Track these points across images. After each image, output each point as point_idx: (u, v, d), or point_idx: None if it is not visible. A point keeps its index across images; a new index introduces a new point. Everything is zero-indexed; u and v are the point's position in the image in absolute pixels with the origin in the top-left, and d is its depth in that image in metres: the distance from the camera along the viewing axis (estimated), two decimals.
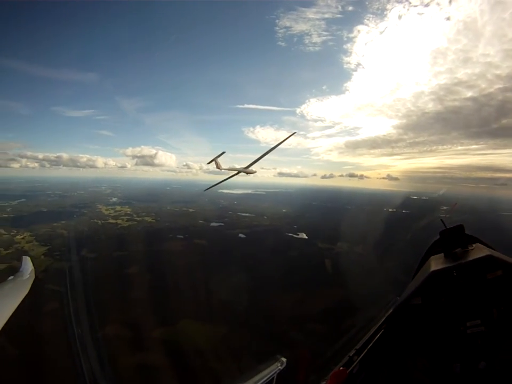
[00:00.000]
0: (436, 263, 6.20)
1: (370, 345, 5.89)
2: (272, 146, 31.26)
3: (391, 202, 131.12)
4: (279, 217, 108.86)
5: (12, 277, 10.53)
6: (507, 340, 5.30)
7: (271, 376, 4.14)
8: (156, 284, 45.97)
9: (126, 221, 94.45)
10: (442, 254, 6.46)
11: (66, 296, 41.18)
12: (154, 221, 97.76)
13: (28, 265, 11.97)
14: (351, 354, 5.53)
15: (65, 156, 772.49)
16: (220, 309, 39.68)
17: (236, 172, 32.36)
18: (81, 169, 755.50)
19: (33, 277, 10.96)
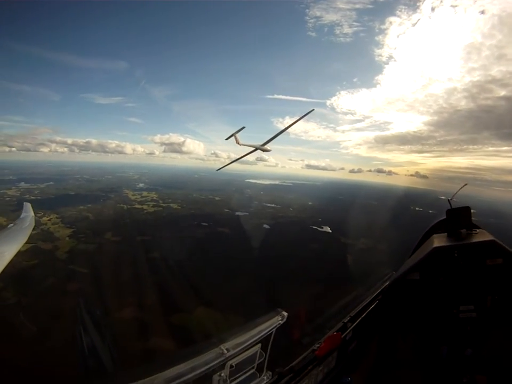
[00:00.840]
0: (439, 241, 6.23)
1: (364, 314, 5.97)
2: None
3: (418, 201, 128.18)
4: (304, 209, 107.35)
5: (11, 224, 10.61)
6: (496, 330, 5.46)
7: (270, 330, 3.95)
8: (176, 270, 45.99)
9: (152, 206, 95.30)
10: (445, 234, 6.50)
11: (87, 277, 42.34)
12: (179, 207, 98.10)
13: (28, 212, 12.02)
14: (345, 321, 5.60)
15: (94, 141, 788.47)
16: (238, 298, 39.63)
17: (254, 148, 34.06)
18: (109, 154, 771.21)
19: (33, 224, 11.04)
